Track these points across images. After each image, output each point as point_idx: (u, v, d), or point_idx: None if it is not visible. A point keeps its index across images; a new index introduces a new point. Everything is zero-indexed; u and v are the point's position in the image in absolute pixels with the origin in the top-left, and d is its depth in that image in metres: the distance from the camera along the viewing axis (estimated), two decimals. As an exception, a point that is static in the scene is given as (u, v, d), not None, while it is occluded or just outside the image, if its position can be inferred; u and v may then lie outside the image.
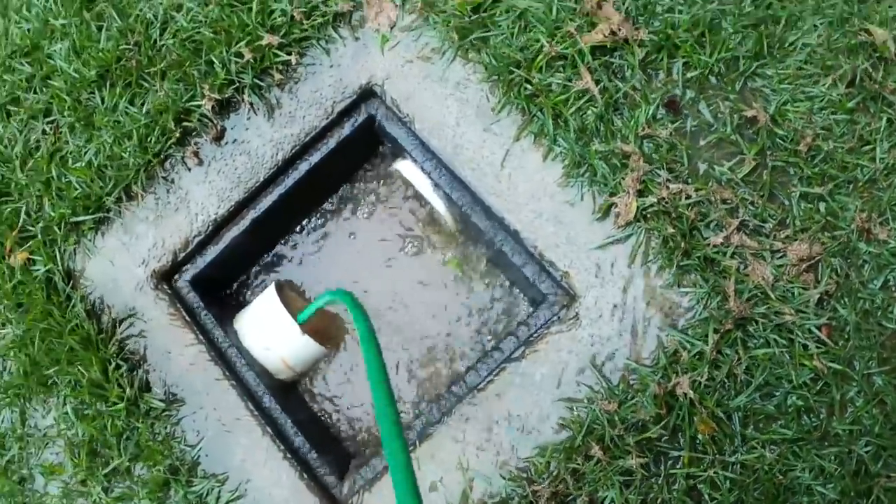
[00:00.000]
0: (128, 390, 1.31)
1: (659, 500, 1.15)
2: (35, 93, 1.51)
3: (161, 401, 1.31)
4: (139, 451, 1.30)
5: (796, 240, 1.19)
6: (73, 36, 1.48)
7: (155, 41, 1.44)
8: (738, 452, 1.14)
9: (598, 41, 1.28)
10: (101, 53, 1.45)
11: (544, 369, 1.22)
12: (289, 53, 1.36)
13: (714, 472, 1.14)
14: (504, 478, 1.18)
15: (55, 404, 1.38)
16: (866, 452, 1.12)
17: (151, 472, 1.28)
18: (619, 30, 1.28)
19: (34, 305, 1.38)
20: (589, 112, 1.27)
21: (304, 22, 1.37)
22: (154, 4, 1.45)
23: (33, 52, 1.53)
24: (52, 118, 1.49)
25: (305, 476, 1.26)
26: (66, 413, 1.35)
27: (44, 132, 1.49)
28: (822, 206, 1.20)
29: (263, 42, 1.36)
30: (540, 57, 1.29)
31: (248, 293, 1.53)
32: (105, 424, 1.32)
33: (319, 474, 1.28)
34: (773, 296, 1.17)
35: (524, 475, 1.18)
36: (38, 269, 1.40)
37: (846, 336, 1.16)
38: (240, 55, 1.37)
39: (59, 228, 1.42)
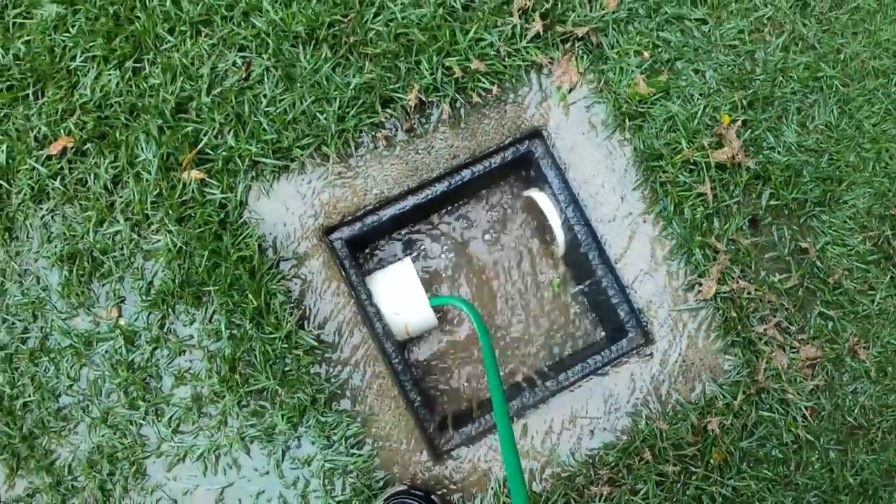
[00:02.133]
0: (286, 324, 1.50)
1: (675, 500, 1.59)
2: (232, 23, 1.60)
3: (313, 339, 1.52)
4: (284, 378, 1.50)
5: (808, 343, 1.67)
6: (284, -16, 1.59)
7: (366, 21, 1.61)
8: (734, 479, 1.61)
9: (722, 160, 1.67)
10: (311, 12, 1.59)
11: (620, 386, 1.61)
12: (491, 83, 1.60)
13: (715, 489, 1.60)
14: (577, 460, 1.56)
15: (200, 318, 1.52)
16: (814, 500, 1.64)
17: (293, 399, 1.49)
18: (737, 155, 1.68)
19: (204, 225, 1.51)
20: (699, 210, 1.66)
21: (506, 59, 1.62)
22: (373, -12, 1.61)
23: (237, -16, 1.61)
24: (245, 55, 1.60)
25: (417, 427, 1.55)
26: (216, 329, 1.51)
27: (234, 64, 1.59)
28: (830, 324, 1.69)
29: (472, 66, 1.59)
30: (678, 156, 1.65)
31: (376, 258, 1.76)
32: (252, 347, 1.50)
33: (427, 427, 1.57)
34: (784, 378, 1.64)
35: (590, 461, 1.57)
36: (214, 194, 1.53)
37: (821, 419, 1.66)
38: (449, 69, 1.59)
39: (241, 162, 1.55)
